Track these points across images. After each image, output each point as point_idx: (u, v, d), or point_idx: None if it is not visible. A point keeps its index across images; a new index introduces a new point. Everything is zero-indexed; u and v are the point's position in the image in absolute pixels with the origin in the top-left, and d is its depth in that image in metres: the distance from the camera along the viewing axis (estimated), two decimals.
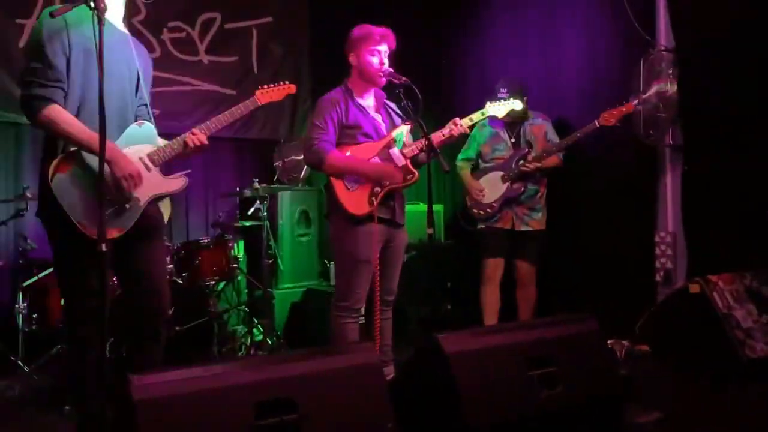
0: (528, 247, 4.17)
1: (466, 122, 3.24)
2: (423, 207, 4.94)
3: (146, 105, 2.66)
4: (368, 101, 3.29)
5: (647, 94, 4.06)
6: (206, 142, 2.53)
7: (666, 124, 4.03)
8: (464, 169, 4.37)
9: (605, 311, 3.10)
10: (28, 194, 3.73)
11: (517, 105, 3.54)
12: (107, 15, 2.35)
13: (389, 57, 3.22)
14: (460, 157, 4.42)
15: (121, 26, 2.57)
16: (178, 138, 2.52)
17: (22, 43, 4.35)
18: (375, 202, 3.12)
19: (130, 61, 2.53)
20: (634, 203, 4.26)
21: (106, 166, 2.17)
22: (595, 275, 4.38)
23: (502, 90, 4.08)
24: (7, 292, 3.85)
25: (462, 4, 5.60)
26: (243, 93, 5.10)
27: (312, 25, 5.59)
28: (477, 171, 4.32)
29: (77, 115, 2.33)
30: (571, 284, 4.49)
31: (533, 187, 4.15)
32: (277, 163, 5.27)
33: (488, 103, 3.42)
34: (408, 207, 5.01)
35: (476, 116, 3.31)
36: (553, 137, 4.19)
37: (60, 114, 2.29)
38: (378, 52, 3.16)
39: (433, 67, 5.65)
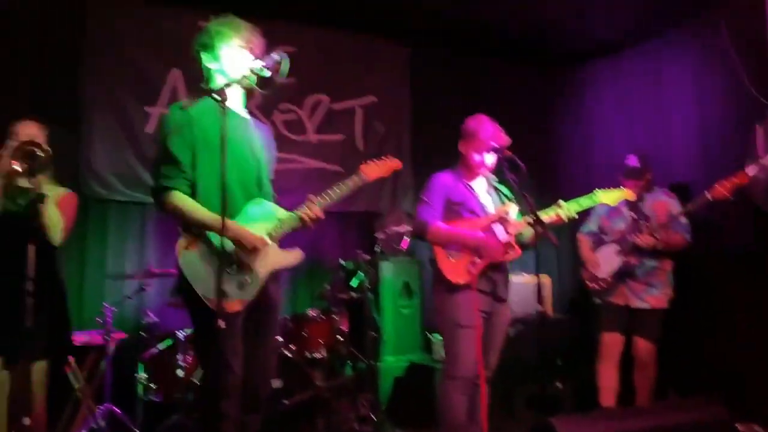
0: (645, 325, 3.95)
1: (573, 207, 3.23)
2: (531, 279, 4.84)
3: (270, 181, 2.80)
4: (478, 183, 3.40)
5: (767, 161, 3.86)
6: (322, 215, 2.61)
7: None
8: (584, 242, 4.29)
9: (734, 393, 2.88)
10: (151, 270, 3.99)
11: (629, 195, 3.49)
12: (229, 103, 2.52)
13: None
14: (582, 229, 4.35)
15: (243, 112, 2.72)
16: (293, 213, 2.61)
17: (148, 129, 4.74)
18: (473, 272, 3.15)
19: (252, 144, 2.67)
20: (759, 277, 3.99)
21: (233, 243, 2.38)
22: (721, 354, 4.10)
23: (631, 160, 4.05)
24: (129, 363, 4.05)
25: (567, 82, 5.64)
26: (348, 169, 5.26)
27: (413, 100, 5.76)
28: (598, 244, 4.21)
29: (205, 201, 2.48)
30: (694, 364, 4.22)
31: (651, 263, 3.95)
32: (379, 235, 5.35)
33: (597, 190, 3.36)
34: (515, 278, 4.95)
35: (584, 202, 3.30)
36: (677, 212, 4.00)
37: (182, 201, 2.46)
38: (485, 155, 3.28)
39: (539, 146, 5.65)
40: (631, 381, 4.03)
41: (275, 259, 2.58)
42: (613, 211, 4.14)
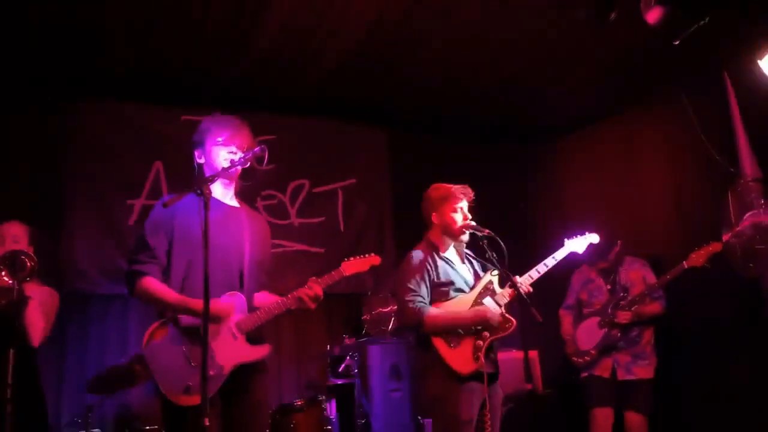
0: (635, 397, 3.91)
1: (549, 262, 3.26)
2: (516, 355, 4.79)
3: (265, 269, 2.84)
4: (453, 254, 3.31)
5: (741, 227, 3.93)
6: (321, 294, 2.66)
7: (766, 255, 3.85)
8: (564, 318, 4.34)
9: None
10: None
11: (594, 238, 3.50)
12: (216, 194, 2.60)
13: (469, 208, 3.29)
14: (562, 305, 4.40)
15: (232, 201, 2.77)
16: (284, 298, 2.63)
17: (131, 221, 4.75)
18: (480, 357, 3.01)
19: (237, 233, 2.68)
20: (746, 341, 3.99)
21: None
22: (715, 425, 4.03)
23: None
24: None
25: (542, 157, 5.78)
26: (331, 250, 5.31)
27: (393, 180, 5.85)
28: (579, 318, 4.23)
29: (182, 290, 2.51)
30: None
31: (633, 333, 3.96)
32: (365, 317, 5.30)
33: (566, 240, 3.44)
34: (502, 355, 4.90)
35: (559, 254, 3.34)
36: (652, 281, 4.05)
37: (152, 284, 2.51)
38: (460, 209, 3.24)
39: (512, 211, 5.73)
40: None
41: (241, 353, 2.56)
42: (589, 283, 4.20)
